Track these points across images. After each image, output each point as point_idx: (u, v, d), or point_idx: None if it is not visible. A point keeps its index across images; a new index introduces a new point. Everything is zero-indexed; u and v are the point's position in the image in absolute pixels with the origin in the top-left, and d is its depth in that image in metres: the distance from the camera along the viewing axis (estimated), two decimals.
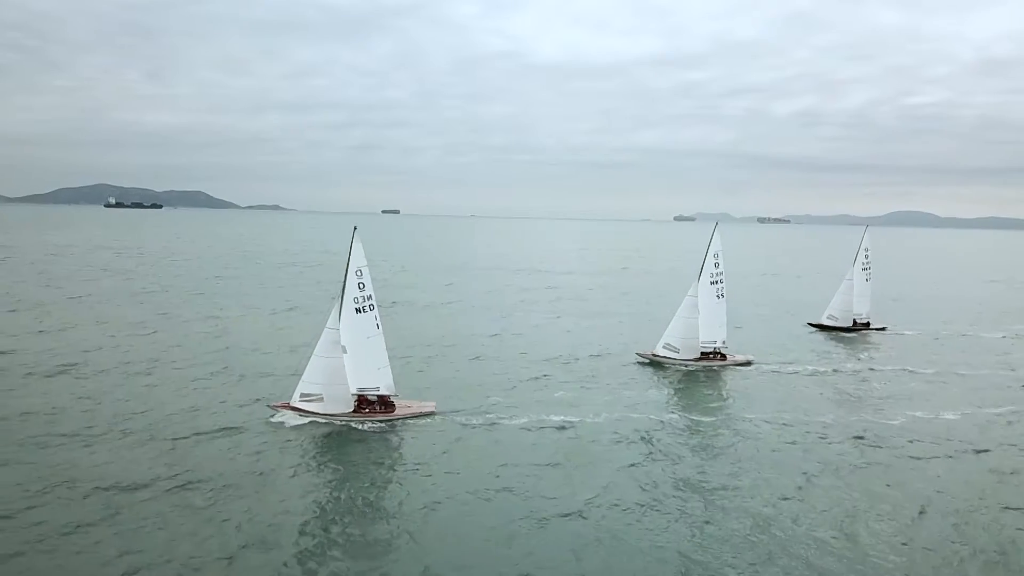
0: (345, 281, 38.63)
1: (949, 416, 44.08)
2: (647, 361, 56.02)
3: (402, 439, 37.50)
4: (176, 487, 30.28)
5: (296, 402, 39.04)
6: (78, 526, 26.69)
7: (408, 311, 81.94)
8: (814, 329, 76.22)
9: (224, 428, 37.87)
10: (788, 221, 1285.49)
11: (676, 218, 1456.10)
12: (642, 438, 38.47)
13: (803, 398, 47.70)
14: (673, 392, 48.56)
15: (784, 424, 41.53)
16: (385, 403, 40.13)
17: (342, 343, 38.38)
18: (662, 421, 41.58)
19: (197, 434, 36.84)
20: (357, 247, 38.60)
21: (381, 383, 39.66)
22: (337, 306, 38.67)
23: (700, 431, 40.19)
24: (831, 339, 71.62)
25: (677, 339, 54.90)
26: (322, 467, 33.52)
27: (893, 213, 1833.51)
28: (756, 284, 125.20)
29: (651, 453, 36.39)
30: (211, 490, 30.12)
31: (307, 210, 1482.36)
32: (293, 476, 32.11)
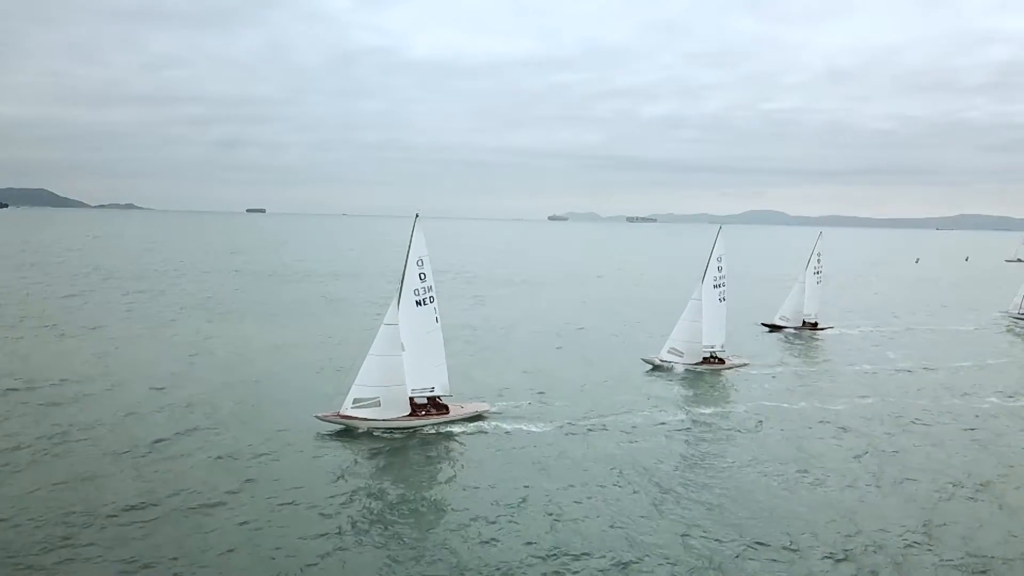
0: (404, 272, 35.72)
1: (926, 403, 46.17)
2: (651, 367, 54.54)
3: (464, 444, 35.27)
4: (221, 503, 28.30)
5: (348, 410, 35.23)
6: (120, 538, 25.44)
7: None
8: (767, 329, 77.38)
9: (265, 444, 34.60)
10: (655, 220, 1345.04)
11: (550, 218, 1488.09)
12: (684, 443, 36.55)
13: (819, 397, 47.34)
14: (695, 395, 47.15)
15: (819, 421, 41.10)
16: (438, 405, 37.30)
17: (401, 339, 35.23)
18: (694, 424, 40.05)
19: (239, 451, 33.73)
20: (419, 236, 35.88)
21: (436, 382, 36.99)
22: (396, 299, 35.38)
23: (739, 435, 38.69)
24: (794, 339, 73.14)
25: (681, 343, 53.89)
26: (379, 478, 31.24)
27: (748, 212, 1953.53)
28: (667, 283, 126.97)
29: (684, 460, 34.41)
30: (260, 505, 28.01)
31: (165, 209, 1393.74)
32: (346, 487, 29.99)
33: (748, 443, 37.70)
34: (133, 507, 27.70)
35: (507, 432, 37.34)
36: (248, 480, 30.58)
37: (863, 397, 48.09)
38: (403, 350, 35.56)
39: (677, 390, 49.12)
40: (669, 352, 54.37)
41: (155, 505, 27.99)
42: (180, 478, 30.60)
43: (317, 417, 36.11)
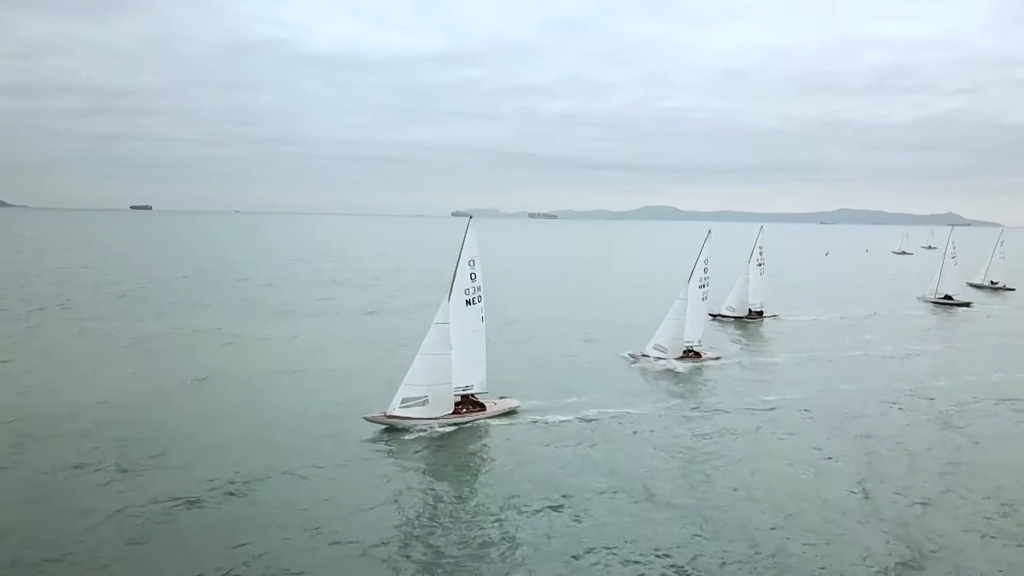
0: (456, 272, 36.45)
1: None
2: (635, 361, 55.21)
3: (507, 440, 35.51)
4: (269, 500, 28.39)
5: (396, 410, 35.29)
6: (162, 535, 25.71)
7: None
8: (713, 319, 77.78)
9: (315, 443, 34.23)
10: (556, 216, 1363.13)
11: (454, 214, 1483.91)
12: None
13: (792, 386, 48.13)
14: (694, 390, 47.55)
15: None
16: (474, 402, 37.91)
17: (452, 338, 35.72)
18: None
19: (286, 451, 33.42)
20: (471, 238, 36.72)
21: (475, 380, 37.71)
22: (446, 299, 35.92)
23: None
24: (745, 328, 75.32)
25: (666, 340, 54.83)
26: (429, 475, 31.11)
27: (643, 208, 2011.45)
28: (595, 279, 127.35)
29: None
30: (305, 509, 27.34)
31: (40, 206, 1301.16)
32: (397, 487, 29.69)
33: (754, 436, 38.42)
34: (185, 501, 27.89)
35: (543, 426, 37.72)
36: (302, 476, 30.07)
37: (841, 383, 49.76)
38: (451, 349, 35.86)
39: (665, 385, 49.44)
40: (654, 348, 55.24)
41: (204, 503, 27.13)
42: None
43: (365, 419, 36.00)
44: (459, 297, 36.64)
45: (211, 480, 30.38)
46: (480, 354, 38.00)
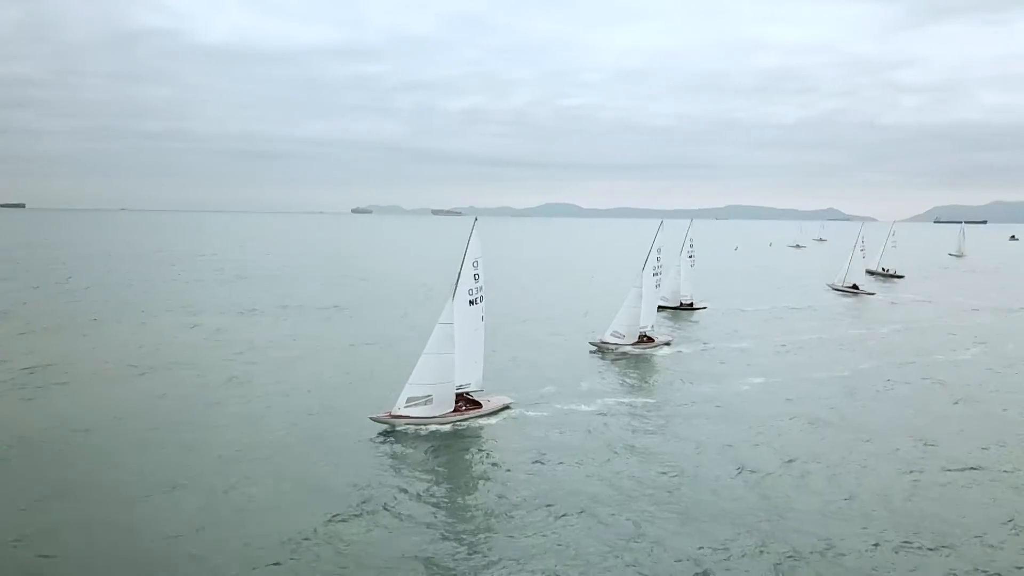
0: (460, 272, 37.00)
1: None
2: (596, 348, 56.97)
3: (506, 437, 35.93)
4: (277, 502, 27.71)
5: (401, 409, 35.48)
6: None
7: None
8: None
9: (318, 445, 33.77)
10: (460, 213, 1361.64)
11: (354, 210, 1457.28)
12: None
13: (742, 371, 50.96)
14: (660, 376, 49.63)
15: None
16: (472, 400, 38.28)
17: (455, 337, 36.25)
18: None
19: (293, 452, 32.89)
20: (475, 239, 37.40)
21: (473, 378, 38.19)
22: (451, 299, 36.50)
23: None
24: (679, 318, 77.90)
25: (623, 327, 56.71)
26: (433, 475, 31.00)
27: (545, 205, 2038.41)
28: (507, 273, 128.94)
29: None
30: (318, 512, 26.69)
31: None
32: (402, 488, 29.30)
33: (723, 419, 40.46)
34: (180, 499, 27.57)
35: (536, 421, 38.31)
36: (302, 478, 29.27)
37: (786, 365, 53.14)
38: (454, 348, 36.29)
39: (636, 372, 51.22)
40: (612, 335, 57.05)
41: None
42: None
43: (371, 419, 35.84)
44: (463, 297, 37.17)
45: (208, 477, 29.70)
46: (479, 352, 38.51)
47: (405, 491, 28.68)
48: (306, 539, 24.50)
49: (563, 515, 26.73)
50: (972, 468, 32.27)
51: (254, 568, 22.80)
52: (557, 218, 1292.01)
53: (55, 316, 69.75)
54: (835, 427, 38.44)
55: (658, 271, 58.83)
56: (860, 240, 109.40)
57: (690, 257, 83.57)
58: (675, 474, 30.99)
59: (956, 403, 43.58)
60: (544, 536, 25.08)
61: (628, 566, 23.22)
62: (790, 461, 32.87)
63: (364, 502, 27.46)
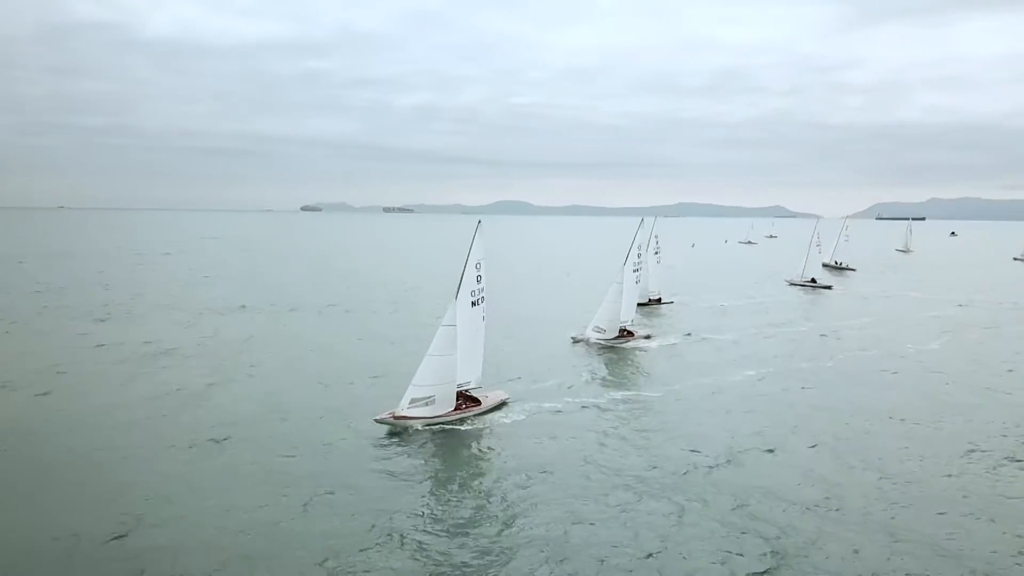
0: (463, 273, 37.34)
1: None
2: (577, 343, 58.07)
3: (509, 432, 36.33)
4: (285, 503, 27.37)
5: (404, 410, 35.66)
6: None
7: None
8: None
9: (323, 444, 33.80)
10: (412, 211, 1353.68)
11: (303, 208, 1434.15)
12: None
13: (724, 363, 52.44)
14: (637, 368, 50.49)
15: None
16: (471, 397, 38.69)
17: (458, 338, 36.52)
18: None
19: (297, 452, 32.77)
20: (479, 241, 37.74)
21: (472, 376, 38.67)
22: (454, 300, 36.85)
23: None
24: (650, 313, 78.77)
25: (604, 322, 57.62)
26: (441, 475, 31.08)
27: (498, 202, 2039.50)
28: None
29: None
30: (323, 514, 26.61)
31: None
32: (410, 487, 29.44)
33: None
34: (183, 497, 27.64)
35: (533, 416, 38.82)
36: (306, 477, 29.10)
37: (759, 355, 54.68)
38: (456, 349, 36.63)
39: (612, 364, 52.14)
40: (594, 329, 58.08)
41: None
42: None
43: (376, 420, 35.83)
44: (465, 298, 37.58)
45: (211, 473, 29.47)
46: (479, 351, 39.01)
47: (409, 492, 28.67)
48: (316, 543, 24.34)
49: (569, 507, 27.10)
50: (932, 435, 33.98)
51: (253, 570, 22.59)
52: (510, 216, 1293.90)
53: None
54: (831, 412, 40.14)
55: (638, 267, 59.83)
56: (816, 236, 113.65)
57: (656, 253, 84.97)
58: (671, 466, 31.65)
59: (942, 386, 46.16)
60: (548, 532, 25.21)
61: (630, 564, 23.49)
62: (781, 447, 34.10)
63: (369, 505, 27.39)
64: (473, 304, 38.16)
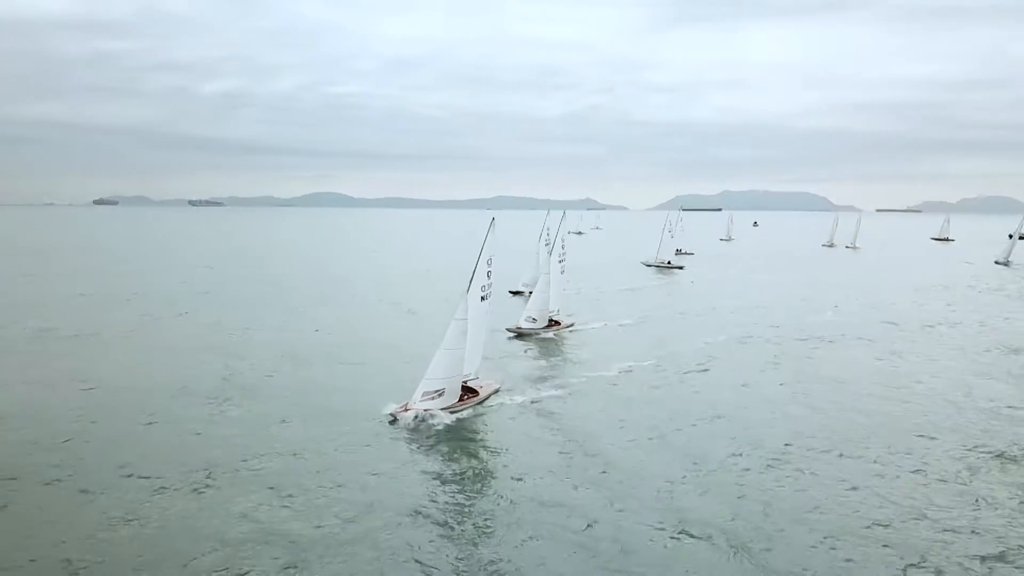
0: (475, 269, 38.47)
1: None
2: (515, 335, 59.83)
3: (509, 421, 37.54)
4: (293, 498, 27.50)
5: (417, 402, 36.47)
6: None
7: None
8: (512, 295, 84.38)
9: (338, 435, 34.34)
10: (222, 204, 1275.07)
11: (96, 202, 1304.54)
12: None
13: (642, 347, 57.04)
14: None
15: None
16: (470, 388, 39.71)
17: (468, 332, 37.76)
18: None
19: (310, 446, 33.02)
20: (492, 237, 39.44)
21: (472, 368, 40.00)
22: (465, 295, 37.94)
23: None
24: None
25: (535, 312, 60.60)
26: (446, 462, 31.79)
27: (312, 194, 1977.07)
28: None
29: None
30: (335, 512, 26.56)
31: None
32: (422, 477, 30.09)
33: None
34: (194, 490, 27.79)
35: (519, 405, 40.09)
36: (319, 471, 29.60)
37: (660, 337, 59.87)
38: (466, 343, 37.71)
39: (562, 351, 55.12)
40: (526, 320, 60.67)
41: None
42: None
43: (390, 413, 36.28)
44: (476, 293, 38.88)
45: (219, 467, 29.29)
46: (481, 343, 40.59)
47: (413, 485, 28.90)
48: (330, 537, 24.39)
49: (575, 496, 28.08)
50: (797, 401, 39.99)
51: (262, 568, 22.48)
52: (324, 208, 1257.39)
53: None
54: (744, 387, 44.76)
55: (563, 257, 62.79)
56: (668, 223, 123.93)
57: (547, 245, 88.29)
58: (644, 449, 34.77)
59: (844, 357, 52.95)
60: (554, 527, 25.66)
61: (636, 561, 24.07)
62: (721, 416, 38.20)
63: (377, 497, 27.53)
64: (483, 299, 39.82)
